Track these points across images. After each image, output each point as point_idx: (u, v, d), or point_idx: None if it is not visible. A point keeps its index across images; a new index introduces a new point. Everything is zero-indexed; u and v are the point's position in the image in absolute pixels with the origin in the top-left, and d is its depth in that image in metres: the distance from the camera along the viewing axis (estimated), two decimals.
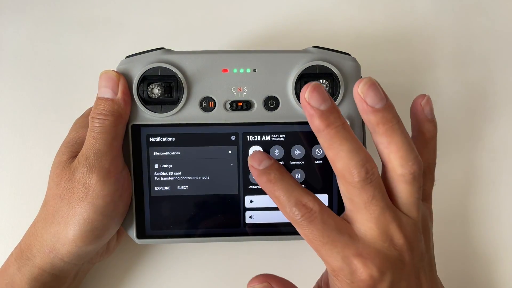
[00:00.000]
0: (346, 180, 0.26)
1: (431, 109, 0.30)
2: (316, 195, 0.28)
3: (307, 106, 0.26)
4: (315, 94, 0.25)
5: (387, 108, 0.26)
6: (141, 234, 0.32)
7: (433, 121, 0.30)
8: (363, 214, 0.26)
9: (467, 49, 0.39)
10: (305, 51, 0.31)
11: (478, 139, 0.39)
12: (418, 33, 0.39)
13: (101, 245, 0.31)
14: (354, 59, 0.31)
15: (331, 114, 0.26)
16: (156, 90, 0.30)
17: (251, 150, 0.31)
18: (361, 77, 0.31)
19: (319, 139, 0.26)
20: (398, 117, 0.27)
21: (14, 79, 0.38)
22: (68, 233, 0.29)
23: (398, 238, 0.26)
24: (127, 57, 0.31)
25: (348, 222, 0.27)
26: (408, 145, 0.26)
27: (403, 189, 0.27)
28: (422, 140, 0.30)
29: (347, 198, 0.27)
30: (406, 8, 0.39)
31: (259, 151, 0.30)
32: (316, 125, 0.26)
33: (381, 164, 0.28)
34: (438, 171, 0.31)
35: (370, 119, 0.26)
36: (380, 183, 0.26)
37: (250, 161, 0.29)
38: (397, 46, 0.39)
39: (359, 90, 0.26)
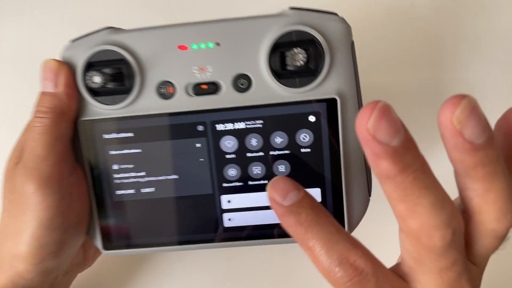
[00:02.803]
0: (421, 242, 0.19)
1: None
2: (308, 191, 0.20)
3: (370, 141, 0.17)
4: (384, 122, 0.17)
5: (490, 143, 0.18)
6: (108, 245, 0.27)
7: None
8: (432, 278, 0.19)
9: (467, 49, 0.37)
10: (279, 15, 0.25)
11: None
12: (418, 32, 0.37)
13: (66, 260, 0.28)
14: (342, 20, 0.25)
15: (408, 151, 0.17)
16: (103, 78, 0.25)
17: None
18: (352, 41, 0.25)
19: (384, 186, 0.19)
20: (500, 155, 0.19)
21: (14, 79, 0.38)
22: (19, 250, 0.25)
23: None
24: (72, 41, 0.26)
25: (404, 279, 0.20)
26: (509, 193, 0.19)
27: (489, 244, 0.20)
28: None
29: (412, 257, 0.20)
30: (406, 8, 0.37)
31: (283, 177, 0.20)
32: (385, 168, 0.18)
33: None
34: (437, 171, 0.25)
35: (465, 159, 0.18)
36: (463, 242, 0.19)
37: (270, 193, 0.20)
38: (397, 45, 0.37)
39: (455, 119, 0.17)
